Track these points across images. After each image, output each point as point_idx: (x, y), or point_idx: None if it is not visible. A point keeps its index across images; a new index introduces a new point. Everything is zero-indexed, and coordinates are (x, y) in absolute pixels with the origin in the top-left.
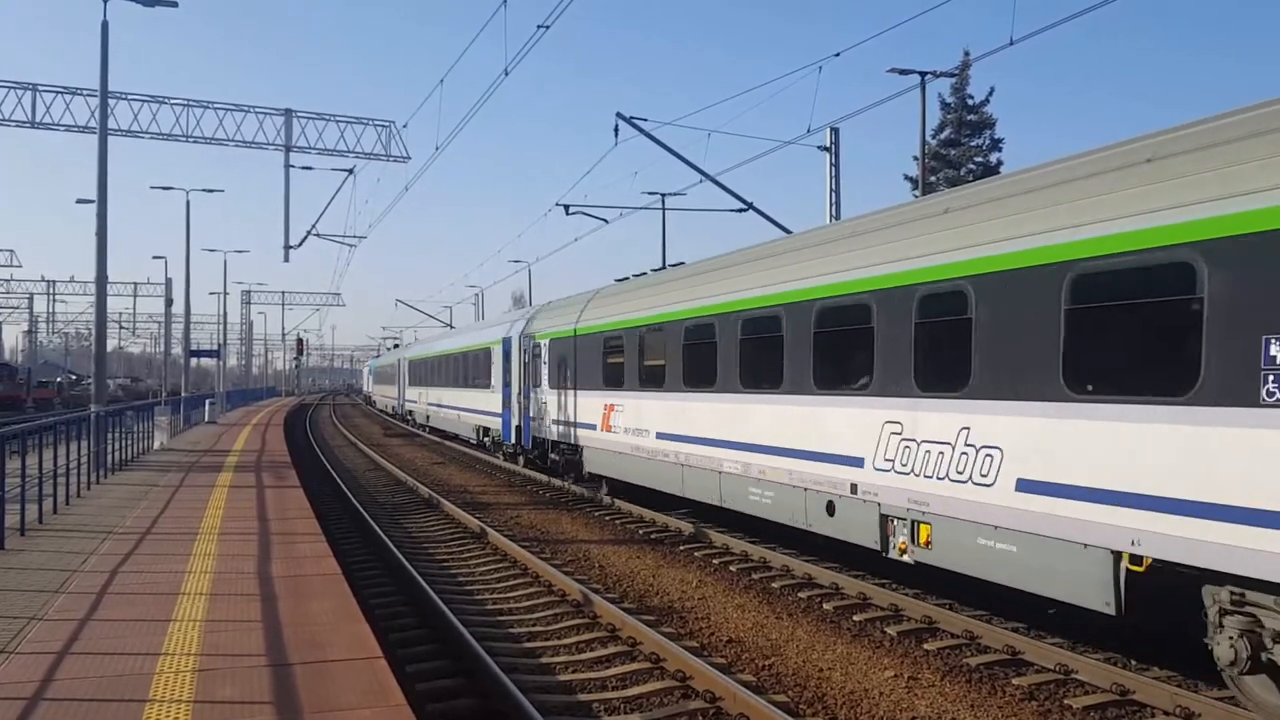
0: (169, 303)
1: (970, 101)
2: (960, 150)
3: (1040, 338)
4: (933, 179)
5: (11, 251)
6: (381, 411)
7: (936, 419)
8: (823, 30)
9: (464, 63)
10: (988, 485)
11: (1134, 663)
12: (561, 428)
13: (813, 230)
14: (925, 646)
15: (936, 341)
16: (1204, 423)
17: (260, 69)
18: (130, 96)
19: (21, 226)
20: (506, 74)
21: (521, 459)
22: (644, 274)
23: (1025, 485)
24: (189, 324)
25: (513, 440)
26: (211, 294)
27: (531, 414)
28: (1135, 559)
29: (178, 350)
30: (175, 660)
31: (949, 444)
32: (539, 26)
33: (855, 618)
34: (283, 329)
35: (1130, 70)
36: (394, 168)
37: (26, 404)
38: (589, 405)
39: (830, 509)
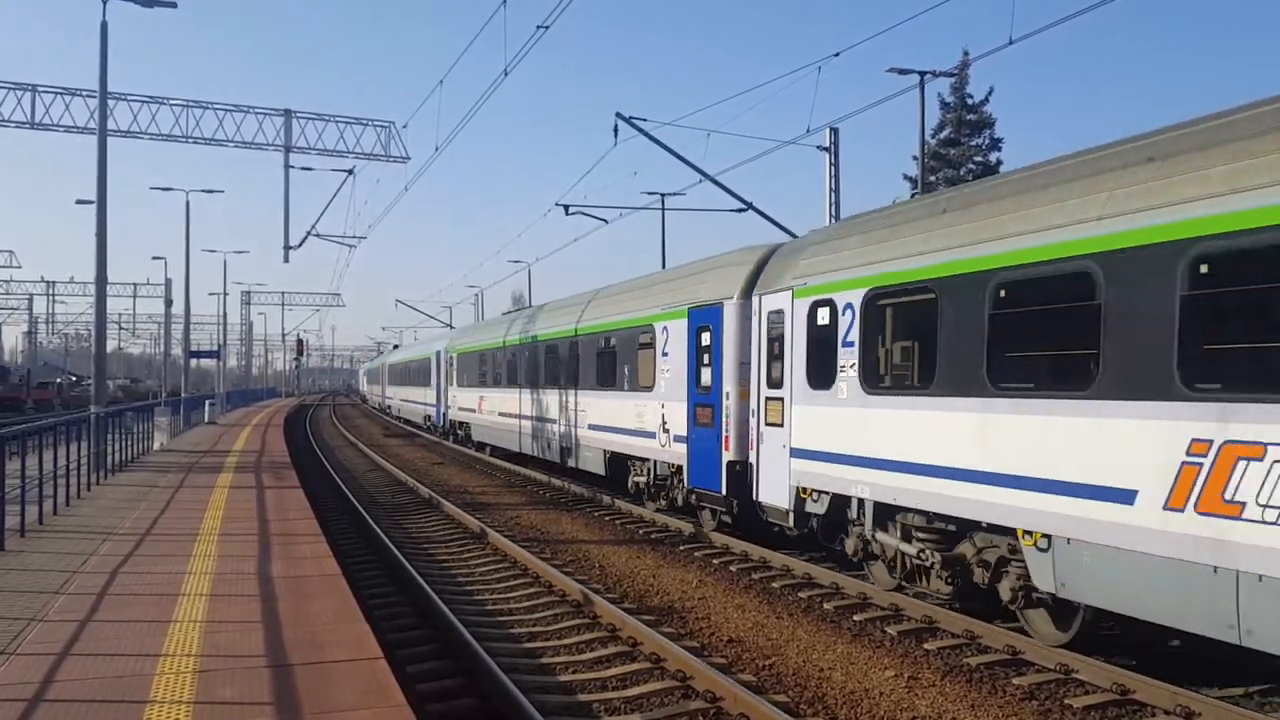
0: (169, 303)
1: (970, 101)
2: (960, 150)
3: (582, 362)
4: (932, 179)
5: (11, 252)
6: (373, 408)
7: (594, 402)
8: (822, 30)
9: (464, 63)
10: (588, 427)
11: (1135, 662)
12: (460, 412)
13: (554, 301)
14: (925, 646)
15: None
16: (624, 399)
17: (260, 70)
18: (129, 97)
19: (21, 227)
20: (506, 74)
21: (451, 437)
22: (515, 310)
23: (592, 426)
24: (189, 325)
25: (441, 424)
26: (211, 295)
27: (449, 404)
28: (609, 451)
29: (177, 351)
30: (175, 661)
31: (584, 409)
32: (538, 27)
33: (855, 617)
34: (283, 329)
35: (1130, 70)
36: (394, 168)
37: (26, 405)
38: (472, 397)
39: (552, 446)
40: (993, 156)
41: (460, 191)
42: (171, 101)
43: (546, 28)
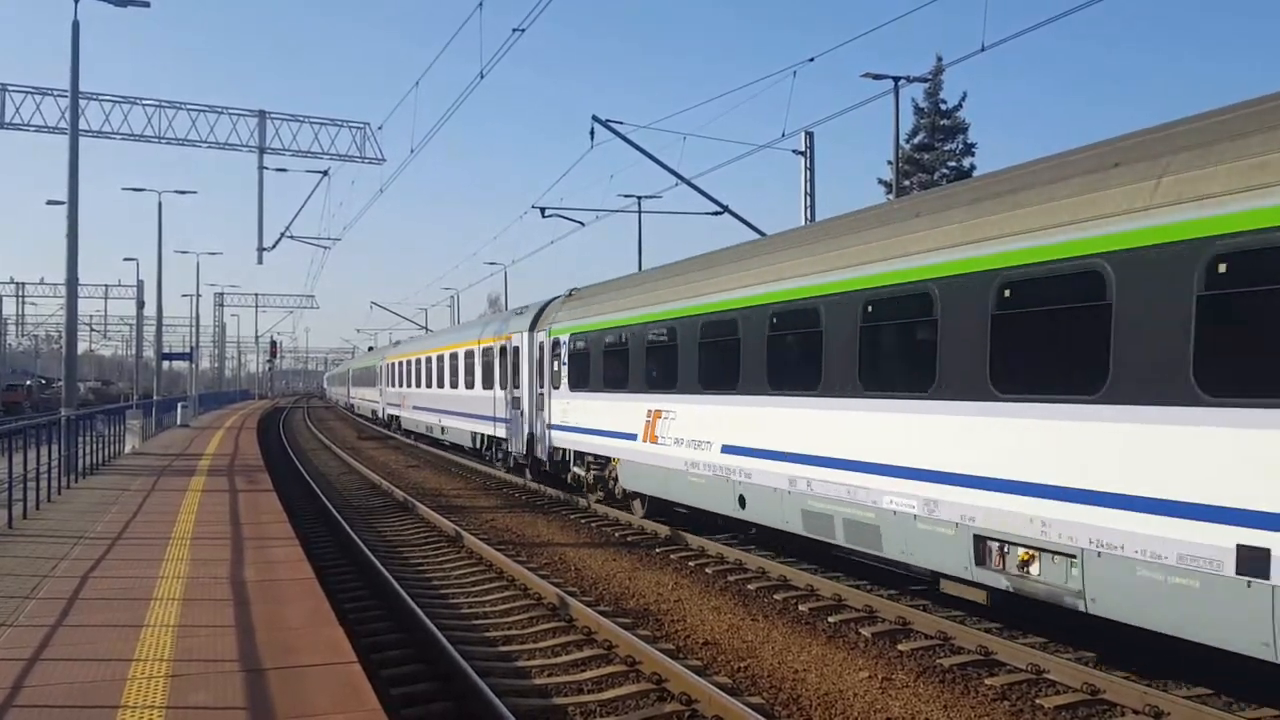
0: (141, 305)
1: (944, 106)
2: (934, 155)
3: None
4: (907, 183)
5: None
6: (335, 403)
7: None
8: (797, 35)
9: (440, 65)
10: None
11: (1104, 664)
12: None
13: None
14: (899, 647)
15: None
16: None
17: (234, 71)
18: (101, 97)
19: None
20: (482, 76)
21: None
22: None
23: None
24: (161, 327)
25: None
26: (184, 296)
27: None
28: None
29: (149, 353)
30: (148, 666)
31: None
32: (514, 30)
33: (830, 619)
34: (256, 331)
35: (1108, 74)
36: (369, 170)
37: None
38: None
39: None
40: (966, 161)
41: (436, 194)
42: (144, 102)
43: (522, 30)
